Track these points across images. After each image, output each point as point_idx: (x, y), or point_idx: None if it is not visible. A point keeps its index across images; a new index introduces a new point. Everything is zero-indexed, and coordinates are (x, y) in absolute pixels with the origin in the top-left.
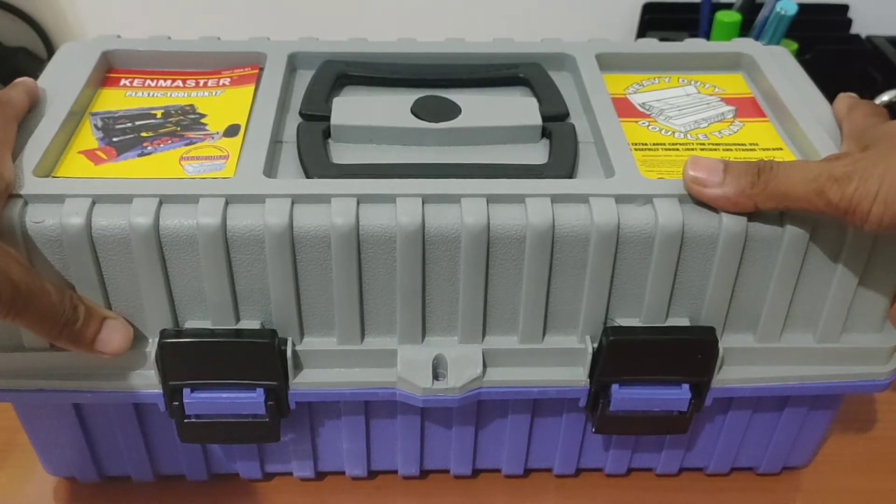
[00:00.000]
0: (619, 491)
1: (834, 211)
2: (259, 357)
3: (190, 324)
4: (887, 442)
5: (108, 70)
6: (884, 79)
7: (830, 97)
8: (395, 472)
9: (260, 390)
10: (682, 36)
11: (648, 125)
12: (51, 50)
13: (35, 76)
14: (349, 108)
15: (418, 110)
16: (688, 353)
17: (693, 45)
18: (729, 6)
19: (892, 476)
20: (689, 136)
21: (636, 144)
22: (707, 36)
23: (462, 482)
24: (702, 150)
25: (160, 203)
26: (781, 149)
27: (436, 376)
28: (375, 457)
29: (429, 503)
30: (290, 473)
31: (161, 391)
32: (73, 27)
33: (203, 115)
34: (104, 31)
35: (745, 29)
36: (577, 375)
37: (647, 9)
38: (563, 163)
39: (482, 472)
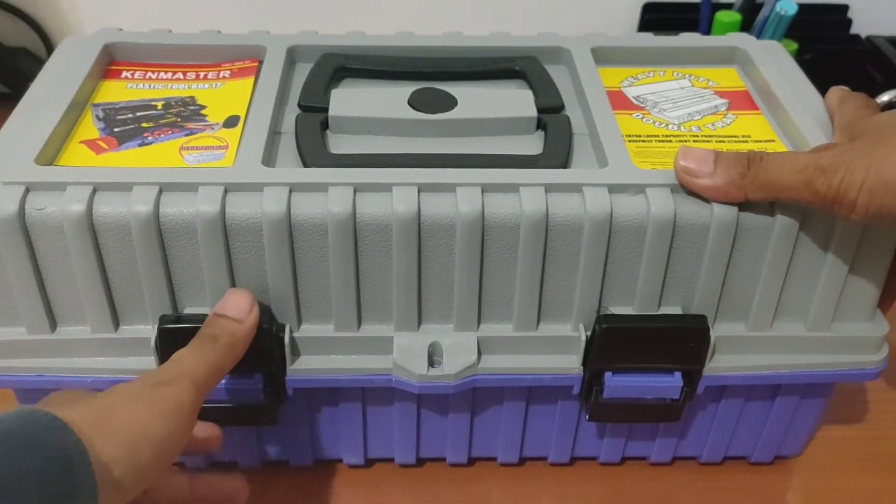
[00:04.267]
0: (614, 479)
1: (821, 201)
2: (257, 342)
3: (189, 310)
4: (880, 433)
5: (110, 62)
6: (884, 79)
7: None
8: (392, 460)
9: (258, 376)
10: None
11: (642, 117)
12: (51, 50)
13: (35, 76)
14: (347, 99)
15: (415, 102)
16: (680, 341)
17: (688, 40)
18: (729, 6)
19: (890, 475)
20: (682, 127)
21: (630, 136)
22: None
23: (458, 470)
24: (695, 141)
25: (160, 191)
26: (773, 141)
27: (431, 363)
28: (372, 445)
29: (425, 491)
30: (288, 462)
31: None
32: (73, 27)
33: (203, 107)
34: None
35: (745, 29)
36: (570, 363)
37: (646, 9)
38: (557, 153)
39: (478, 461)
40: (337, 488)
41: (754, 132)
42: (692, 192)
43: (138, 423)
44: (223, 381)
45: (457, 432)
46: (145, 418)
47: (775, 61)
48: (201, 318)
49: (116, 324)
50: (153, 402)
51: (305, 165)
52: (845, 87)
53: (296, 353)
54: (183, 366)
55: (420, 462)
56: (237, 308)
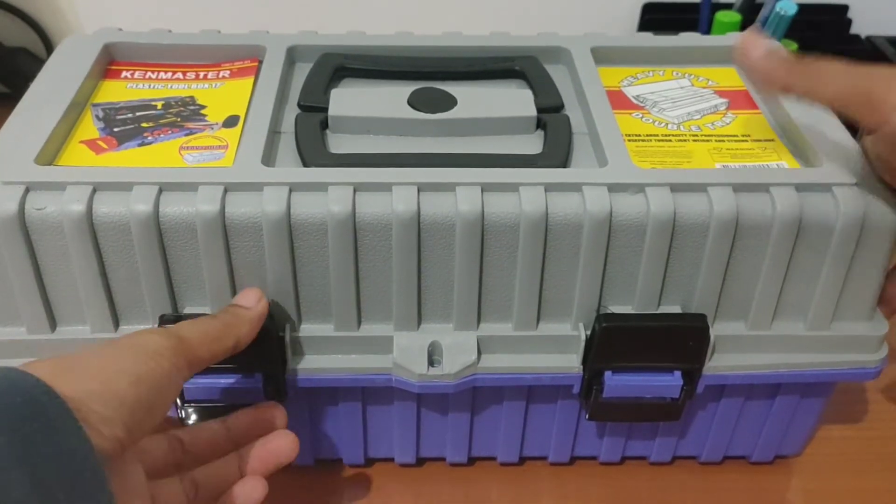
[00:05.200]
0: (614, 479)
1: (866, 101)
2: (257, 341)
3: (189, 310)
4: (880, 433)
5: (110, 62)
6: None
7: None
8: (392, 460)
9: (258, 376)
10: None
11: (642, 117)
12: (51, 50)
13: (35, 76)
14: (347, 99)
15: (415, 102)
16: (680, 339)
17: (687, 39)
18: (729, 6)
19: (890, 475)
20: (682, 127)
21: (629, 135)
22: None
23: (458, 470)
24: (694, 140)
25: (160, 191)
26: (773, 140)
27: (431, 363)
28: (372, 445)
29: (425, 491)
30: None
31: None
32: (73, 27)
33: (203, 107)
34: None
35: (745, 29)
36: (570, 362)
37: (646, 9)
38: (557, 152)
39: (478, 460)
40: (337, 488)
41: (754, 131)
42: (693, 189)
43: (109, 360)
44: (223, 382)
45: (457, 432)
46: (116, 356)
47: None
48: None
49: (116, 324)
50: (126, 346)
51: (305, 165)
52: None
53: (296, 353)
54: (174, 327)
55: (420, 462)
56: (245, 299)
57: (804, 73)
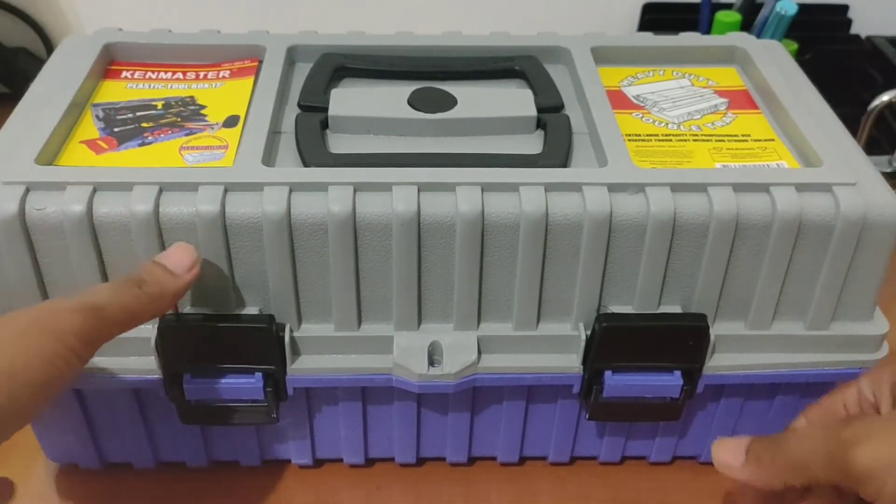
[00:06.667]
0: (613, 479)
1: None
2: (257, 341)
3: (189, 310)
4: None
5: (110, 62)
6: (884, 79)
7: (831, 97)
8: (392, 459)
9: (259, 375)
10: None
11: (642, 116)
12: (51, 50)
13: (35, 76)
14: (347, 99)
15: (415, 101)
16: (680, 339)
17: (687, 39)
18: (729, 6)
19: None
20: (682, 127)
21: (630, 135)
22: None
23: (458, 470)
24: (694, 140)
25: (160, 191)
26: (773, 140)
27: (431, 362)
28: (372, 444)
29: (425, 490)
30: (289, 461)
31: (161, 377)
32: (73, 27)
33: (203, 107)
34: None
35: (745, 29)
36: (570, 362)
37: (647, 9)
38: (557, 152)
39: (478, 460)
40: (337, 488)
41: (754, 131)
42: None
43: (7, 330)
44: (224, 382)
45: (457, 432)
46: (17, 329)
47: (775, 61)
48: (201, 318)
49: None
50: (32, 322)
51: (305, 165)
52: None
53: (296, 353)
54: (93, 297)
55: (420, 462)
56: (177, 262)
57: (782, 465)
